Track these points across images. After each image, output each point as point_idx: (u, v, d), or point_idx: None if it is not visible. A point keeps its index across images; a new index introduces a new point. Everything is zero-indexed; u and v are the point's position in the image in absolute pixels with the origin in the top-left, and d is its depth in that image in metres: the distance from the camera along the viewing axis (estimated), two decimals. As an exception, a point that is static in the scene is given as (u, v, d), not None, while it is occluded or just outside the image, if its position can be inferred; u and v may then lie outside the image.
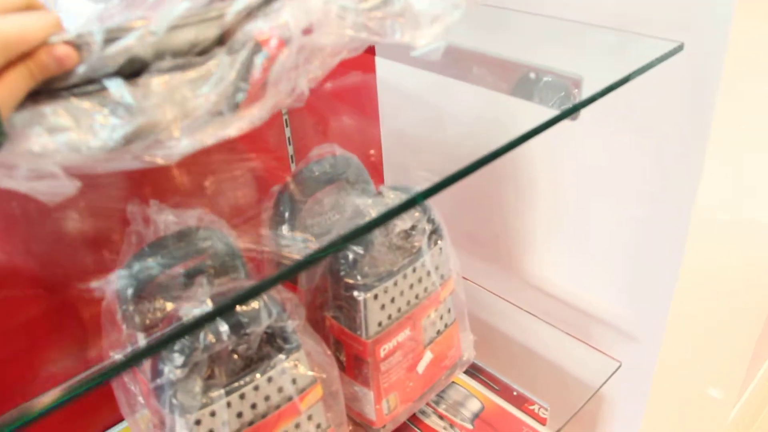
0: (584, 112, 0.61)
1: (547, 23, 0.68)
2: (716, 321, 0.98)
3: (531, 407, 0.77)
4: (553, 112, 0.53)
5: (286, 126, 0.85)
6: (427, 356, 0.70)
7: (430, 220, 0.66)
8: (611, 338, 0.82)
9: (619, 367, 0.79)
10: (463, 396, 0.80)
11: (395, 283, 0.64)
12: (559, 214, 0.82)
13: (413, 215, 0.65)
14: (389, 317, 0.65)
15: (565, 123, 0.62)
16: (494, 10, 0.70)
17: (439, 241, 0.67)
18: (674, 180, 0.68)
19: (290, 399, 0.58)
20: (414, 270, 0.65)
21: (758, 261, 1.03)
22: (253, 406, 0.56)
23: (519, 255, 0.88)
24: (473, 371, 0.82)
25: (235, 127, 0.31)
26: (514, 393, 0.79)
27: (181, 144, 0.29)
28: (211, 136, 0.30)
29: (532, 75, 0.58)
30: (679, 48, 0.61)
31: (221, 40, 0.32)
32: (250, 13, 0.32)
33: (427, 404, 0.77)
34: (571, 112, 0.53)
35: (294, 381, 0.58)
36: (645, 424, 0.86)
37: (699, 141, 0.65)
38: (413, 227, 0.65)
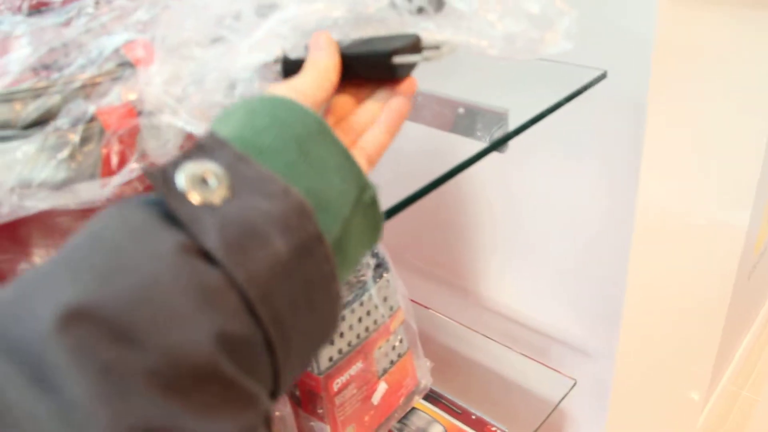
0: (530, 139, 0.62)
1: (474, 59, 0.70)
2: (672, 328, 1.00)
3: (492, 430, 0.78)
4: (482, 145, 0.54)
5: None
6: (382, 387, 0.71)
7: (374, 254, 0.67)
8: (567, 356, 0.83)
9: (575, 384, 0.81)
10: (426, 422, 0.80)
11: (343, 318, 0.65)
12: (512, 238, 0.83)
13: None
14: (340, 351, 0.66)
15: (517, 149, 0.63)
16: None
17: (384, 274, 0.68)
18: (614, 195, 0.70)
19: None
20: (361, 304, 0.66)
21: (705, 263, 1.06)
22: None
23: (474, 279, 0.90)
24: (434, 397, 0.83)
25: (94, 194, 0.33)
26: (473, 417, 0.80)
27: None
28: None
29: (461, 110, 0.59)
30: (603, 76, 0.63)
31: (50, 115, 0.33)
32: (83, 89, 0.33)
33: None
34: (498, 144, 0.55)
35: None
36: (608, 437, 0.87)
37: (633, 157, 0.67)
38: (358, 262, 0.66)
